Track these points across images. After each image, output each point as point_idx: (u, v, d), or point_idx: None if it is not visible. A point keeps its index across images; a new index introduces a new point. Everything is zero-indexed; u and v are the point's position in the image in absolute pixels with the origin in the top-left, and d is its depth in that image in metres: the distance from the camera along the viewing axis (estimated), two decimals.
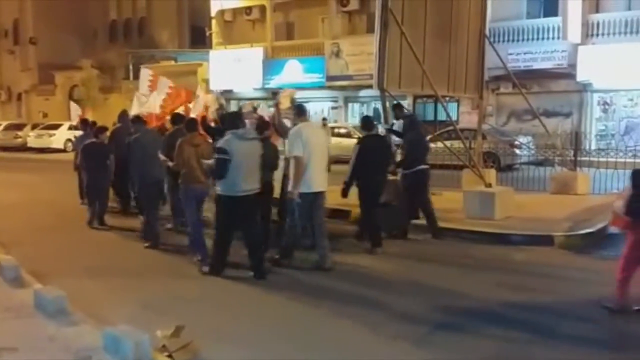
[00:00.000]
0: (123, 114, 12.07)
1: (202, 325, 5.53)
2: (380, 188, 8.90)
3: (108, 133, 11.24)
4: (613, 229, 6.56)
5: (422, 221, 9.76)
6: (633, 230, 6.05)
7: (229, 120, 7.71)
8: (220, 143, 7.32)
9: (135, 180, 9.44)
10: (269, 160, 7.92)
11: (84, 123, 13.44)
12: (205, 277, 7.45)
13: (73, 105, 18.33)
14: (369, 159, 8.68)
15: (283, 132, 8.55)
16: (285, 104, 9.76)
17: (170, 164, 8.65)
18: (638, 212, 5.92)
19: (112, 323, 5.08)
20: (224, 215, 7.38)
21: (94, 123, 12.61)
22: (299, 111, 7.94)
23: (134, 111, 12.36)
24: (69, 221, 11.50)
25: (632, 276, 6.04)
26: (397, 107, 11.31)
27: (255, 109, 10.95)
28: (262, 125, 8.65)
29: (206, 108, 12.13)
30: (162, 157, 9.04)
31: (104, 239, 9.95)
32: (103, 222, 10.78)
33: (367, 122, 9.36)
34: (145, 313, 6.08)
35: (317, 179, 7.60)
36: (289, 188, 7.64)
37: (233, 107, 29.70)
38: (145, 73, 13.88)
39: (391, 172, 9.79)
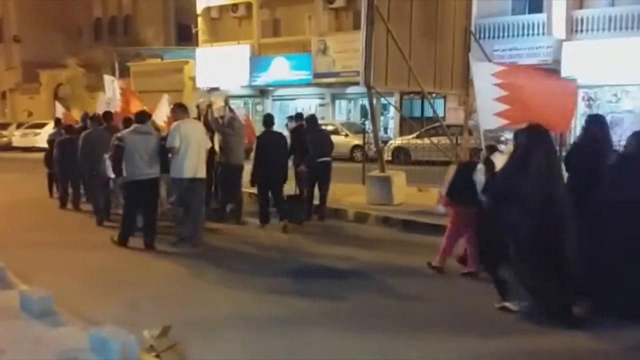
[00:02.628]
0: (84, 116, 13.06)
1: (188, 324, 5.53)
2: (277, 177, 10.01)
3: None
4: (439, 208, 7.74)
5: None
6: (452, 208, 7.31)
7: (136, 117, 9.24)
8: (119, 134, 9.00)
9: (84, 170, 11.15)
10: None
11: (56, 121, 14.41)
12: (190, 277, 7.57)
13: (58, 105, 18.47)
14: (266, 153, 9.84)
15: (214, 128, 10.51)
16: (218, 103, 11.60)
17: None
18: (455, 192, 7.15)
19: (99, 324, 5.06)
20: (126, 196, 9.05)
21: (58, 120, 14.02)
22: (180, 110, 9.20)
23: (99, 110, 13.42)
24: (54, 220, 11.47)
25: (454, 245, 7.29)
26: (295, 118, 12.22)
27: (209, 105, 11.76)
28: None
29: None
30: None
31: (90, 238, 9.88)
32: (78, 207, 12.22)
33: (266, 120, 10.43)
34: (132, 313, 6.07)
35: (192, 167, 8.85)
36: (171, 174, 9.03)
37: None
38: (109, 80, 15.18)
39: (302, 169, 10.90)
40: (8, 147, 30.28)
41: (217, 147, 10.73)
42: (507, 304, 5.80)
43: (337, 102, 28.53)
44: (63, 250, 9.02)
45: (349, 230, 10.44)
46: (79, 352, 4.63)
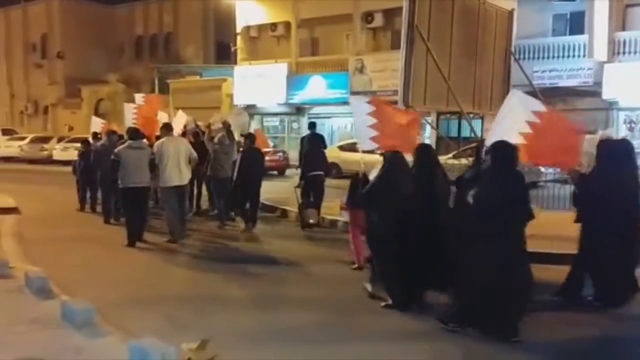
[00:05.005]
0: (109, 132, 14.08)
1: (227, 338, 5.54)
2: (255, 187, 11.94)
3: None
4: (343, 214, 9.42)
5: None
6: (350, 212, 8.68)
7: (130, 134, 10.95)
8: (115, 150, 10.60)
9: (99, 178, 12.90)
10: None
11: (93, 135, 15.71)
12: (223, 290, 7.79)
13: (94, 118, 19.20)
14: (248, 165, 11.65)
15: (206, 145, 12.48)
16: (216, 124, 13.23)
17: None
18: (350, 199, 8.54)
19: (139, 335, 5.09)
20: (123, 202, 10.81)
21: (95, 134, 15.59)
22: (164, 129, 11.15)
23: (126, 121, 15.15)
24: (93, 233, 11.68)
25: (359, 243, 8.44)
26: (309, 127, 13.91)
27: (208, 125, 13.66)
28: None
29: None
30: None
31: (127, 249, 10.07)
32: (85, 207, 14.33)
33: (249, 136, 12.35)
34: (171, 326, 6.11)
35: (174, 177, 10.50)
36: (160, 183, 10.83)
37: (256, 122, 30.02)
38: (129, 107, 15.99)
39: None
40: (49, 161, 30.81)
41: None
42: (372, 291, 7.20)
43: None
44: (102, 261, 9.19)
45: (327, 235, 11.62)
46: None
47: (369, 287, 7.31)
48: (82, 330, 5.46)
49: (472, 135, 14.78)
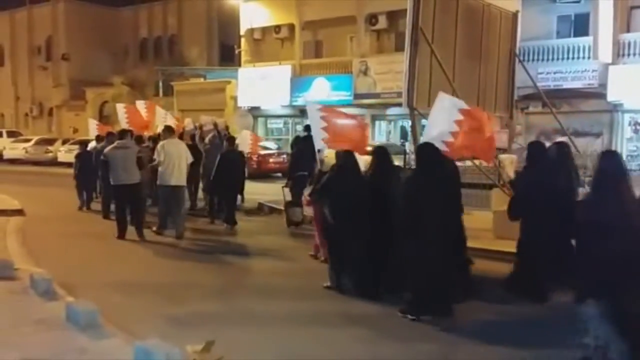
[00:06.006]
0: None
1: (229, 340, 5.53)
2: (234, 187, 12.55)
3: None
4: (306, 210, 10.28)
5: None
6: (313, 207, 9.09)
7: (118, 135, 11.75)
8: (104, 151, 11.35)
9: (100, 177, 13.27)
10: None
11: (96, 138, 16.45)
12: (229, 291, 7.88)
13: (91, 120, 19.81)
14: (226, 166, 12.08)
15: (199, 146, 13.62)
16: (208, 125, 14.11)
17: None
18: (312, 195, 8.79)
19: (143, 337, 5.09)
20: (115, 198, 11.40)
21: (98, 137, 16.18)
22: (165, 131, 12.01)
23: (121, 122, 16.32)
24: (94, 231, 11.82)
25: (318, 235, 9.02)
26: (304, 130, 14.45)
27: (200, 127, 14.89)
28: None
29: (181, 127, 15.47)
30: None
31: (132, 251, 10.13)
32: (83, 207, 14.86)
33: (230, 139, 13.01)
34: (175, 328, 6.11)
35: (173, 177, 11.09)
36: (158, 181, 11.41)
37: (260, 124, 30.07)
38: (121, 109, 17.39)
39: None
40: (54, 163, 30.85)
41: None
42: (329, 284, 7.69)
43: (377, 123, 28.44)
44: (107, 263, 9.21)
45: (309, 231, 11.36)
46: None
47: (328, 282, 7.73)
48: (86, 331, 5.46)
49: None
